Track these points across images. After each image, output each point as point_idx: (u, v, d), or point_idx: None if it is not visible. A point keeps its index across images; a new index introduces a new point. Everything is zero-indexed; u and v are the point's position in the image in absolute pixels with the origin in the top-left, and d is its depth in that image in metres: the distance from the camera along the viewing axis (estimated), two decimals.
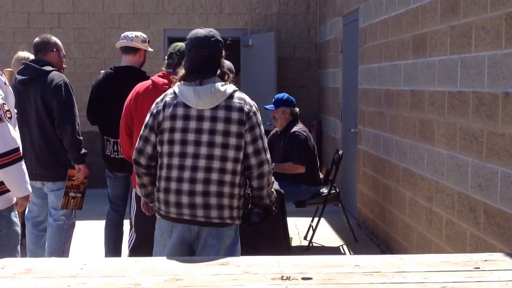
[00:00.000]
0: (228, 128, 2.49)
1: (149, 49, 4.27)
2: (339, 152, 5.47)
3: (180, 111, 2.52)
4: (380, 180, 5.16)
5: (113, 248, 4.07)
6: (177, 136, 2.51)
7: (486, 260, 2.12)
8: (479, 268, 2.02)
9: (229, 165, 2.50)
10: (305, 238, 5.37)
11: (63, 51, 4.02)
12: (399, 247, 4.63)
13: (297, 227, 5.69)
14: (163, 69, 3.59)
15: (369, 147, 5.52)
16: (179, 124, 2.51)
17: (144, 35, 4.23)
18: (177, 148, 2.51)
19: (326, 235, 5.48)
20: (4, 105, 2.65)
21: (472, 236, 3.34)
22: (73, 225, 3.94)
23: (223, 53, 2.66)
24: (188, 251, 2.57)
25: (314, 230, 5.18)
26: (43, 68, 3.75)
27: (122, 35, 4.22)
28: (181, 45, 3.59)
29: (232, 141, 2.50)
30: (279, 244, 4.02)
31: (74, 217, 3.93)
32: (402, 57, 4.55)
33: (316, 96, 8.04)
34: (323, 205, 5.15)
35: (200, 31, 2.65)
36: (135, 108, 3.54)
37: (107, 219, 4.15)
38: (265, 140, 2.61)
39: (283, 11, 8.10)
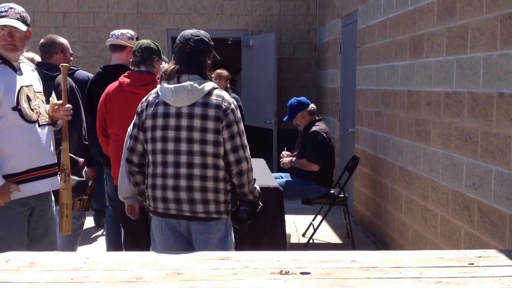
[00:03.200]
0: (205, 125, 2.52)
1: None
2: (356, 160, 5.43)
3: (160, 109, 2.57)
4: (377, 178, 5.20)
5: (113, 243, 4.10)
6: (158, 133, 2.56)
7: (480, 257, 2.13)
8: (473, 264, 2.03)
9: (210, 160, 2.54)
10: (303, 235, 5.41)
11: (70, 50, 3.99)
12: (395, 244, 4.67)
13: (296, 224, 5.74)
14: (131, 68, 3.62)
15: (366, 147, 5.56)
16: (159, 122, 2.56)
17: (132, 32, 4.19)
18: (159, 146, 2.56)
19: (324, 232, 5.53)
20: None
21: (467, 233, 3.38)
22: (82, 225, 3.95)
23: (210, 55, 2.67)
24: (185, 243, 2.63)
25: (315, 229, 5.21)
26: (49, 72, 3.71)
27: (111, 33, 4.22)
28: (142, 42, 3.62)
29: (210, 136, 2.53)
30: (277, 240, 4.06)
31: (83, 217, 3.95)
32: (399, 58, 4.59)
33: (315, 96, 8.08)
34: (329, 206, 5.16)
35: (188, 30, 2.70)
36: (106, 110, 3.58)
37: (106, 215, 4.18)
38: (244, 137, 2.62)
39: (284, 12, 8.14)
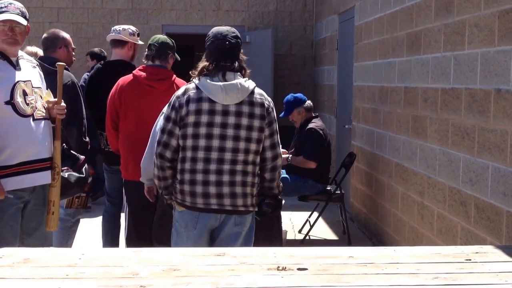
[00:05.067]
0: (251, 123, 2.60)
1: (139, 42, 4.26)
2: (352, 156, 5.43)
3: (205, 106, 2.59)
4: (373, 175, 5.21)
5: (110, 239, 4.10)
6: (203, 130, 2.58)
7: (477, 252, 2.14)
8: (470, 260, 2.05)
9: (251, 157, 2.62)
10: (299, 232, 5.42)
11: (72, 45, 3.97)
12: (391, 240, 4.68)
13: (292, 221, 5.75)
14: (144, 61, 3.62)
15: (363, 143, 5.57)
16: (204, 118, 2.58)
17: (133, 28, 4.20)
18: (202, 142, 2.58)
19: (320, 228, 5.54)
20: None
21: (463, 229, 3.39)
22: (77, 222, 3.95)
23: (242, 51, 2.75)
24: (209, 239, 2.68)
25: (311, 226, 5.23)
26: (51, 67, 3.67)
27: (112, 28, 4.22)
28: (159, 36, 3.62)
29: (255, 135, 2.60)
30: (273, 237, 4.07)
31: (78, 215, 3.95)
32: (396, 55, 4.60)
33: (311, 93, 8.08)
34: (325, 203, 5.18)
35: (222, 27, 2.78)
36: (120, 103, 3.56)
37: (104, 211, 4.19)
38: (278, 135, 2.71)
39: (280, 8, 8.15)
